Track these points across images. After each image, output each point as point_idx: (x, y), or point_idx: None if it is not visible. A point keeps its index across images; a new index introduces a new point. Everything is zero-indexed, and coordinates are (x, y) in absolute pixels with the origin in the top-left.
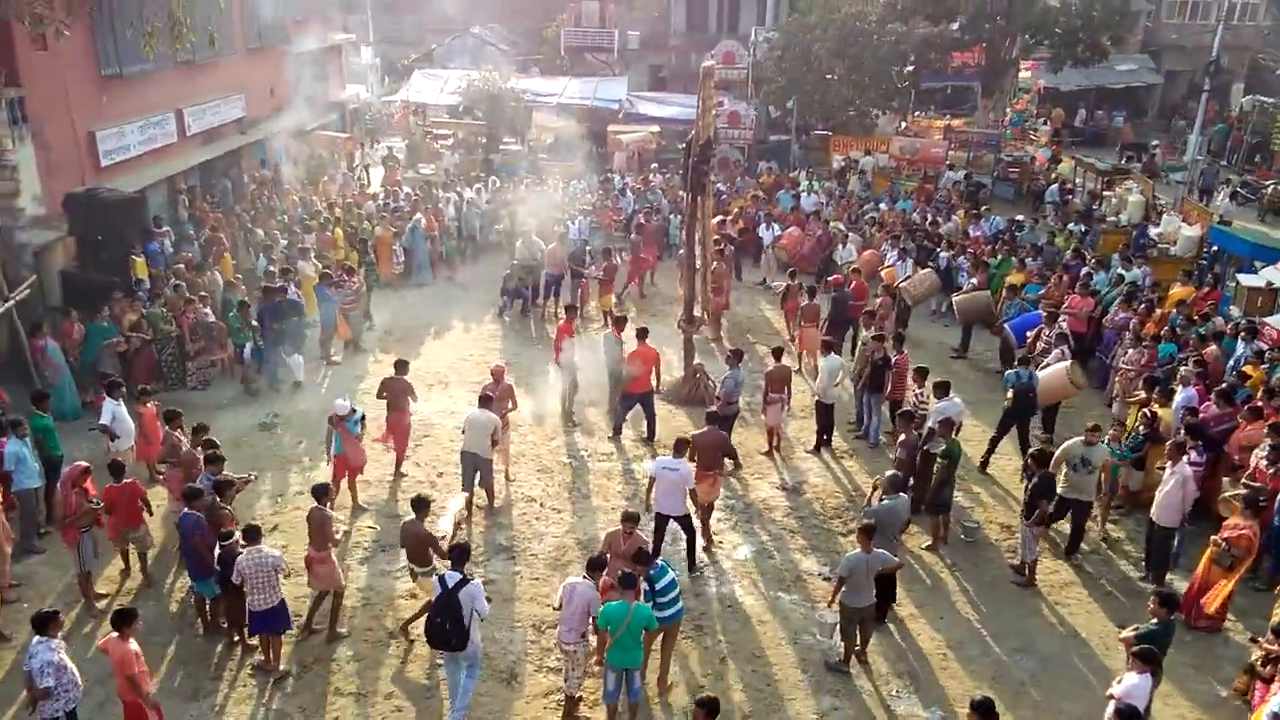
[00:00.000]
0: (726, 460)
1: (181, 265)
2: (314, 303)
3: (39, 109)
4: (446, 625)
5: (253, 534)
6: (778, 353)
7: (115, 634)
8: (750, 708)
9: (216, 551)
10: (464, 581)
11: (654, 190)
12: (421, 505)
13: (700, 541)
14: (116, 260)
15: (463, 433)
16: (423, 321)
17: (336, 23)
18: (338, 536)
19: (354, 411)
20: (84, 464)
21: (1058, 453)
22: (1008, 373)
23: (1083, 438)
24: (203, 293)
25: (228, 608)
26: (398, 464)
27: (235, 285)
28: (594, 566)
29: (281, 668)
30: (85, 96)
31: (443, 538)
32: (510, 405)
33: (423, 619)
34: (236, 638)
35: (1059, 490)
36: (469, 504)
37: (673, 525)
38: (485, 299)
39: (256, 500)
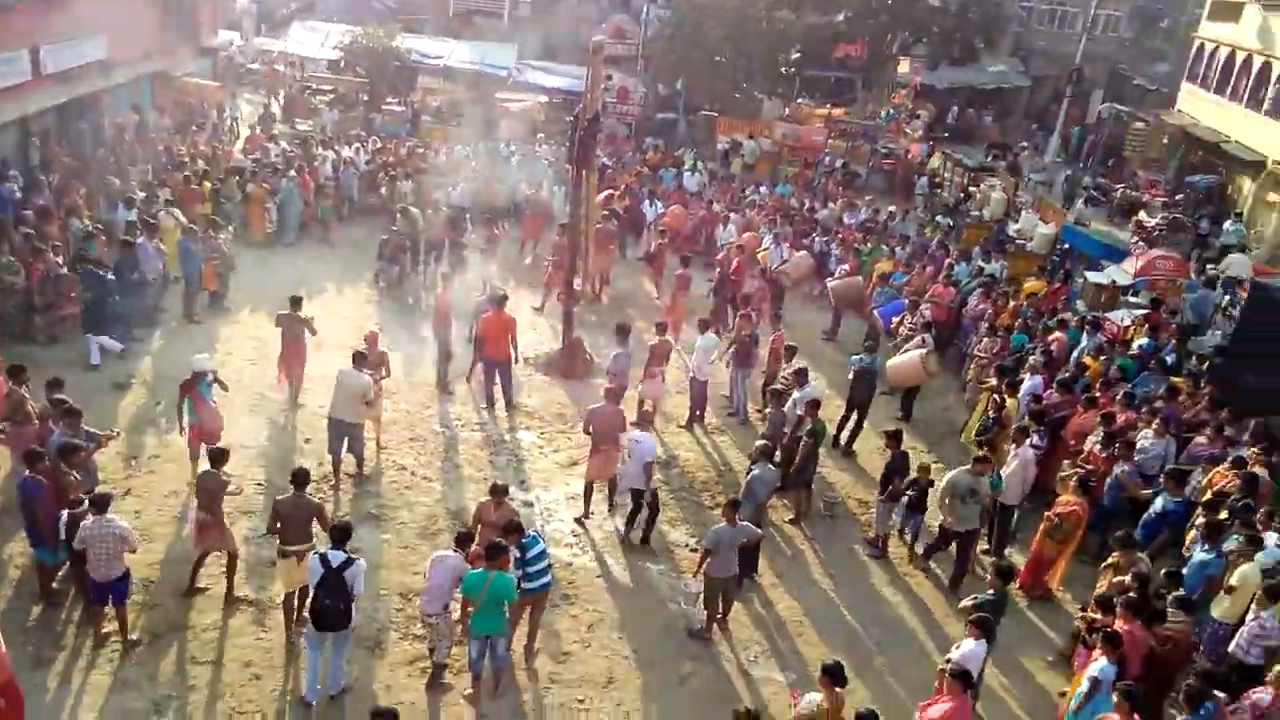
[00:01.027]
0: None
1: (29, 213)
2: (176, 258)
3: None
4: (339, 605)
5: (100, 503)
6: (660, 327)
7: None
8: (614, 673)
9: (64, 518)
10: (349, 560)
11: (540, 160)
12: (302, 479)
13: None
14: None
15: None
16: (294, 283)
17: None
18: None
19: (207, 373)
20: None
21: (943, 484)
22: (854, 356)
23: (969, 468)
24: (55, 242)
25: (76, 576)
26: (294, 394)
27: (95, 236)
28: (462, 541)
29: (132, 636)
30: None
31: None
32: (384, 373)
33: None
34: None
35: (946, 523)
36: (336, 468)
37: (546, 499)
38: (361, 263)
39: (110, 462)
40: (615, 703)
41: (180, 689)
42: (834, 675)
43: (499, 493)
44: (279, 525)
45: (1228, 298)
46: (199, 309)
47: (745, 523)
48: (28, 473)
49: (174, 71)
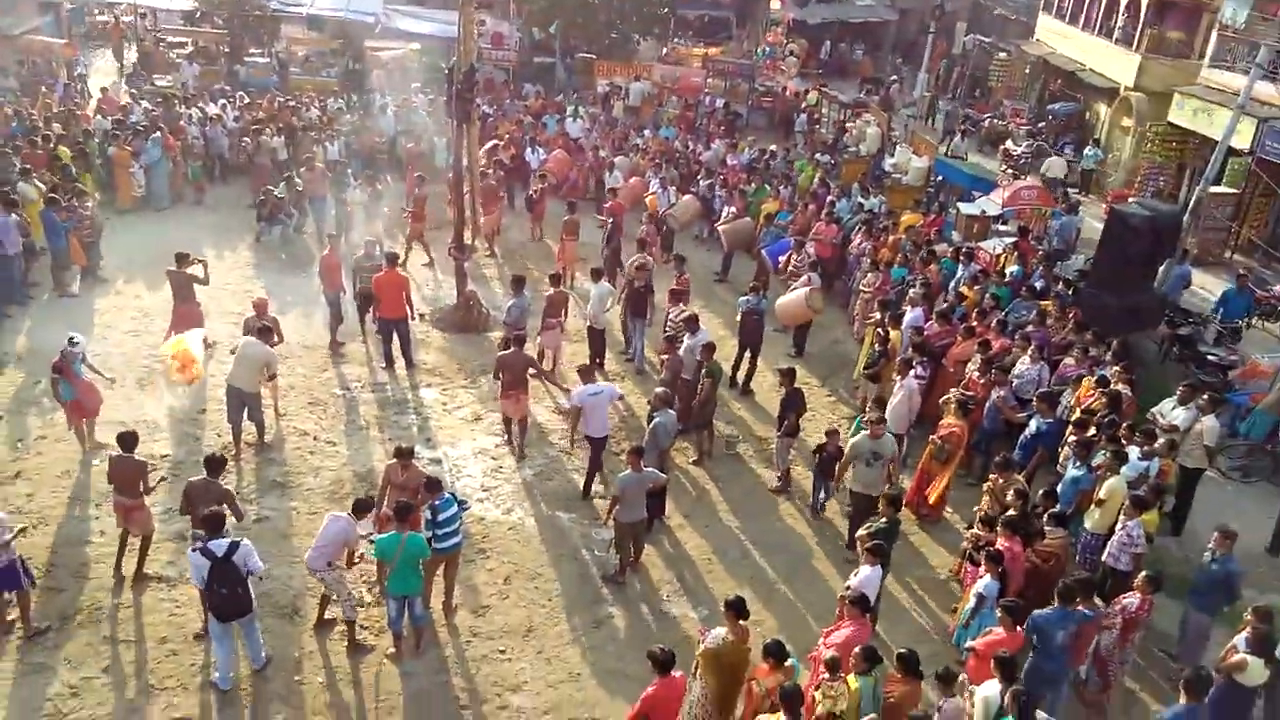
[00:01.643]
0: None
1: None
2: (40, 229)
3: None
4: (238, 591)
5: None
6: (555, 279)
7: None
8: (532, 623)
9: None
10: (235, 545)
11: (417, 111)
12: (216, 465)
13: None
14: None
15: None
16: (170, 248)
17: None
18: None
19: (78, 351)
20: None
21: (847, 449)
22: (740, 298)
23: (868, 431)
24: None
25: None
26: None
27: None
28: (359, 508)
29: (38, 625)
30: None
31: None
32: (276, 339)
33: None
34: None
35: (849, 486)
36: (237, 438)
37: (454, 455)
38: (239, 224)
39: None
40: (536, 650)
41: (96, 670)
42: (737, 609)
43: (404, 454)
44: (190, 507)
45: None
46: (71, 281)
47: (650, 468)
48: None
49: (14, 30)
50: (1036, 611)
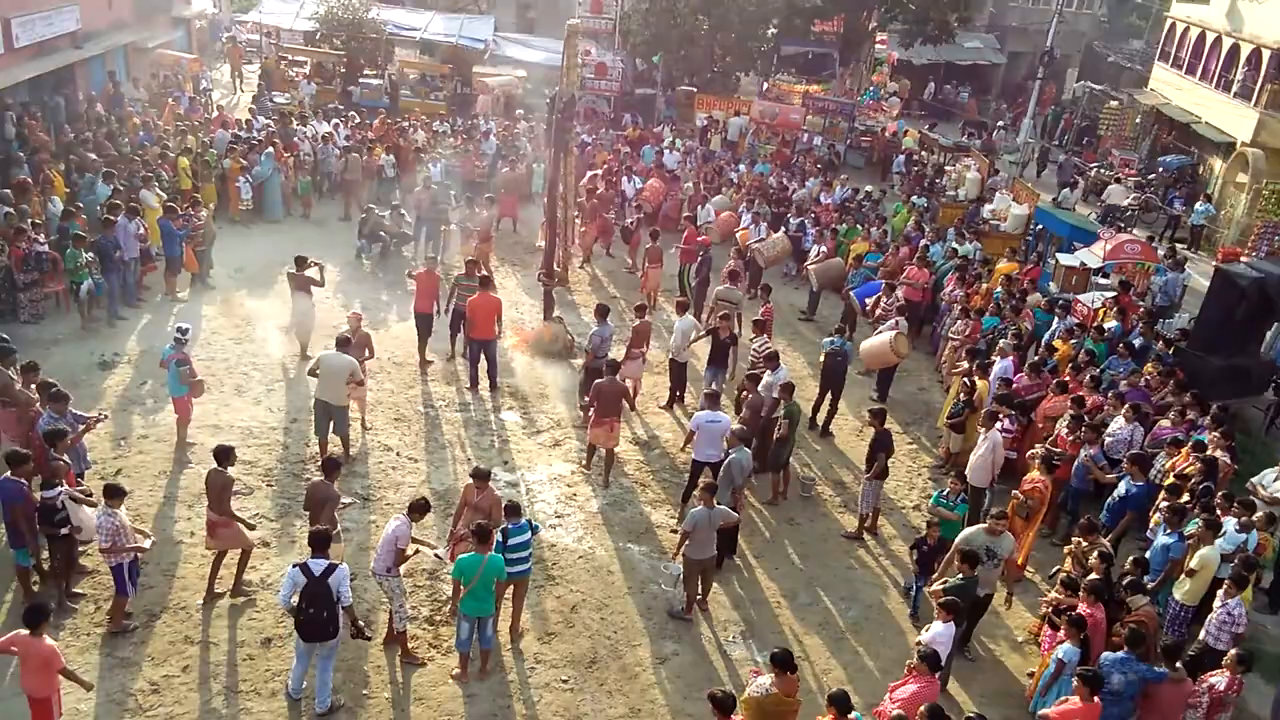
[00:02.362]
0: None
1: (9, 191)
2: (157, 236)
3: None
4: (324, 614)
5: (113, 493)
6: (640, 309)
7: (25, 631)
8: (596, 653)
9: (41, 498)
10: (332, 568)
11: (519, 139)
12: (332, 467)
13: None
14: None
15: (315, 374)
16: (276, 261)
17: None
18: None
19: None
20: None
21: (958, 541)
22: (825, 339)
23: (985, 525)
24: (34, 220)
25: (52, 552)
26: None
27: (75, 215)
28: (415, 509)
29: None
30: None
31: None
32: (367, 354)
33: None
34: (58, 585)
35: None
36: (323, 449)
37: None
38: (342, 239)
39: (99, 443)
40: (599, 682)
41: (176, 669)
42: (782, 663)
43: (481, 476)
44: (309, 507)
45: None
46: (182, 287)
47: (722, 506)
48: (8, 473)
49: (148, 43)
50: (1104, 654)
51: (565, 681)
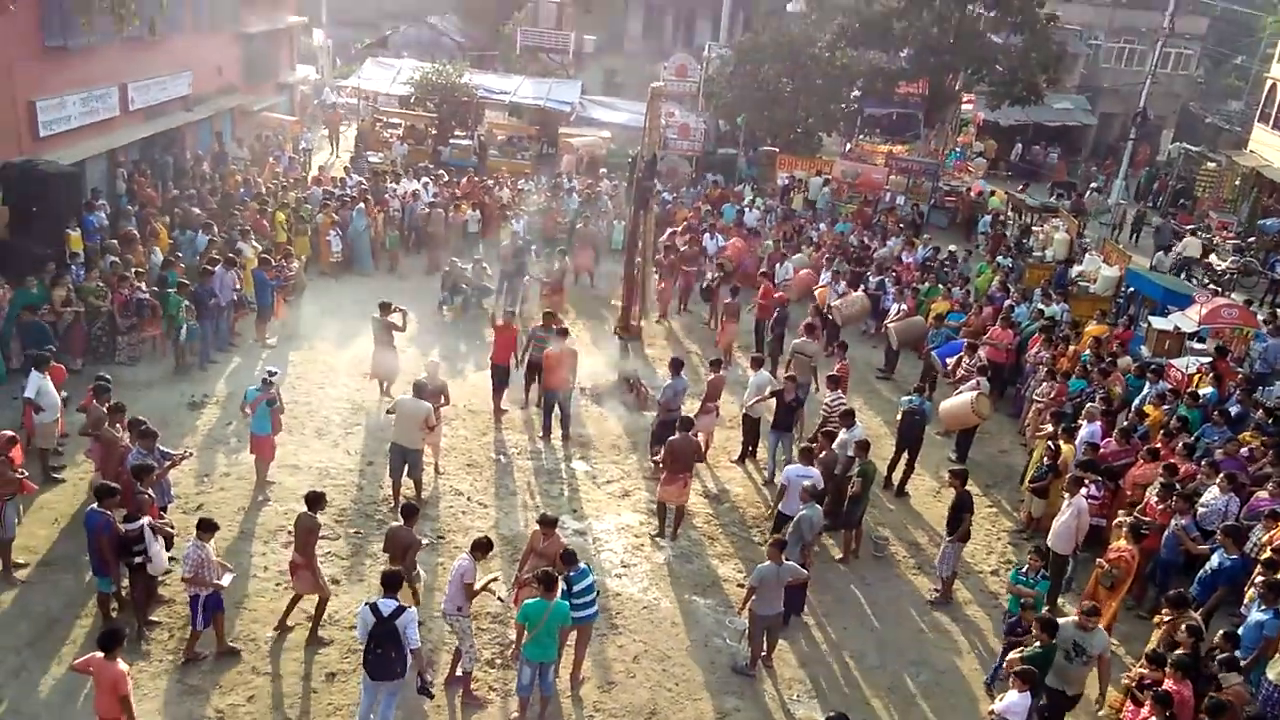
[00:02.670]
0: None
1: (116, 241)
2: (251, 285)
3: None
4: (392, 654)
5: (206, 526)
6: (715, 364)
7: (100, 653)
8: (656, 705)
9: (124, 529)
10: (401, 609)
11: (601, 196)
12: (411, 513)
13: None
14: (51, 232)
15: (391, 416)
16: (361, 311)
17: (289, 3)
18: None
19: (271, 393)
20: (9, 433)
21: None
22: (903, 397)
23: (1075, 619)
24: (137, 269)
25: (134, 589)
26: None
27: (175, 264)
28: (476, 546)
29: (199, 651)
30: (27, 66)
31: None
32: (443, 401)
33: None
34: (137, 615)
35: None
36: (396, 492)
37: (598, 529)
38: (425, 291)
39: (183, 479)
40: None
41: (241, 699)
42: None
43: (548, 524)
44: (388, 550)
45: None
46: (272, 334)
47: (791, 562)
48: (95, 506)
49: (253, 106)
50: None
51: None
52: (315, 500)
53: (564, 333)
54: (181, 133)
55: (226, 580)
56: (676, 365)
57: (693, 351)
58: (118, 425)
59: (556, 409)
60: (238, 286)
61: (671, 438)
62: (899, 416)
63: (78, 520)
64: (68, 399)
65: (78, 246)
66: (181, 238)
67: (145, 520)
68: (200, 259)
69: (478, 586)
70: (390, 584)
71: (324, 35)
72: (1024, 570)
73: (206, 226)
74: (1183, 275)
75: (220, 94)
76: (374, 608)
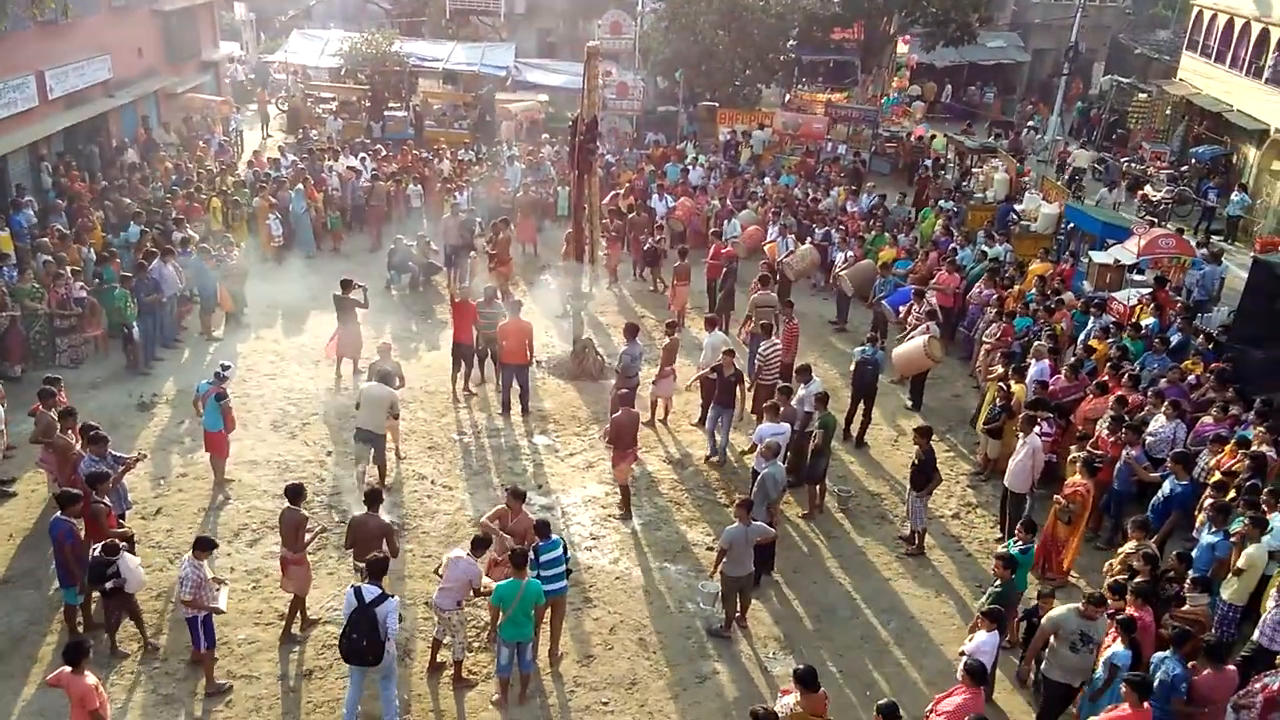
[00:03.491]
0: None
1: (46, 240)
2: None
3: None
4: (364, 641)
5: (203, 545)
6: (670, 327)
7: (68, 668)
8: (636, 675)
9: (92, 556)
10: (383, 597)
11: (544, 163)
12: (375, 498)
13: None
14: None
15: (357, 407)
16: (307, 295)
17: None
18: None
19: (221, 387)
20: None
21: (1045, 622)
22: (856, 348)
23: (1079, 607)
24: (73, 267)
25: (106, 605)
26: (354, 371)
27: (112, 260)
28: (478, 545)
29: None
30: None
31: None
32: (398, 383)
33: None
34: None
35: (1043, 669)
36: (373, 474)
37: (565, 502)
38: (372, 271)
39: (139, 483)
40: (639, 704)
41: (219, 703)
42: (804, 681)
43: (517, 496)
44: (352, 541)
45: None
46: (216, 325)
47: (758, 522)
48: (59, 514)
49: (177, 88)
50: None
51: (606, 704)
52: (296, 493)
53: (518, 305)
54: (105, 120)
55: (222, 601)
56: (631, 331)
57: (645, 316)
58: (69, 431)
59: (515, 384)
60: (179, 282)
61: (615, 415)
62: (852, 367)
63: (35, 534)
64: (4, 408)
65: (7, 247)
66: (116, 234)
67: (122, 551)
68: (135, 252)
69: (482, 589)
70: (375, 571)
71: (245, 9)
72: (1015, 540)
73: (137, 216)
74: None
75: (143, 76)
76: (357, 592)
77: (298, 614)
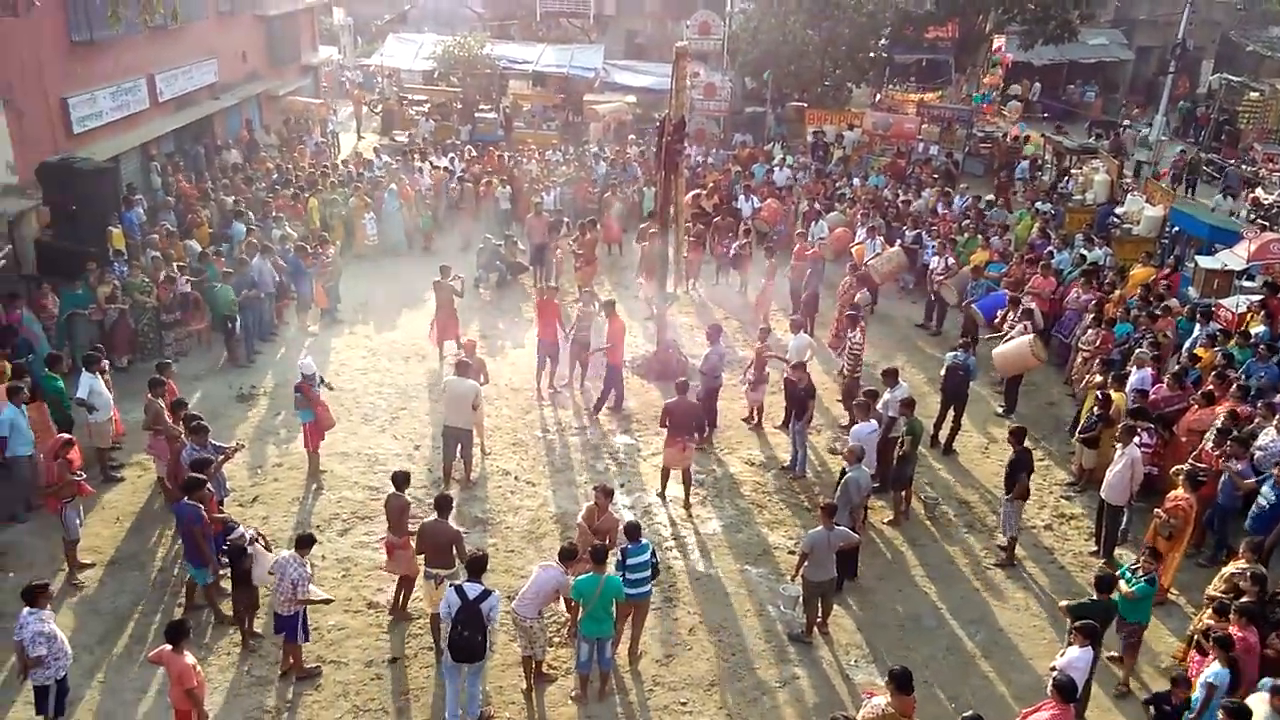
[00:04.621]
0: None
1: (156, 236)
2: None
3: (10, 76)
4: (478, 638)
5: (303, 542)
6: (764, 333)
7: (169, 646)
8: (715, 676)
9: (229, 541)
10: (486, 593)
11: (630, 164)
12: (445, 504)
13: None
14: (92, 230)
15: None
16: (399, 293)
17: None
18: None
19: (315, 374)
20: (66, 435)
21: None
22: (947, 353)
23: (1268, 698)
24: (179, 263)
25: (235, 597)
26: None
27: (216, 258)
28: (565, 557)
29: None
30: (56, 63)
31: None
32: (482, 380)
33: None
34: (239, 626)
35: None
36: (447, 475)
37: (647, 502)
38: (461, 270)
39: (236, 472)
40: (718, 705)
41: (309, 686)
42: (899, 681)
43: (605, 493)
44: (422, 546)
45: None
46: (312, 321)
47: (841, 526)
48: (185, 499)
49: (279, 91)
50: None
51: (684, 704)
52: (402, 480)
53: (611, 305)
54: (211, 121)
55: (322, 592)
56: (715, 332)
57: (729, 317)
58: (177, 420)
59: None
60: (276, 279)
61: (667, 402)
62: (943, 372)
63: (141, 518)
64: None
65: (120, 243)
66: (222, 228)
67: (246, 531)
68: (240, 249)
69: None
70: (475, 568)
71: (343, 14)
72: (1133, 567)
73: (240, 215)
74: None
75: (246, 80)
76: (460, 591)
77: (403, 595)
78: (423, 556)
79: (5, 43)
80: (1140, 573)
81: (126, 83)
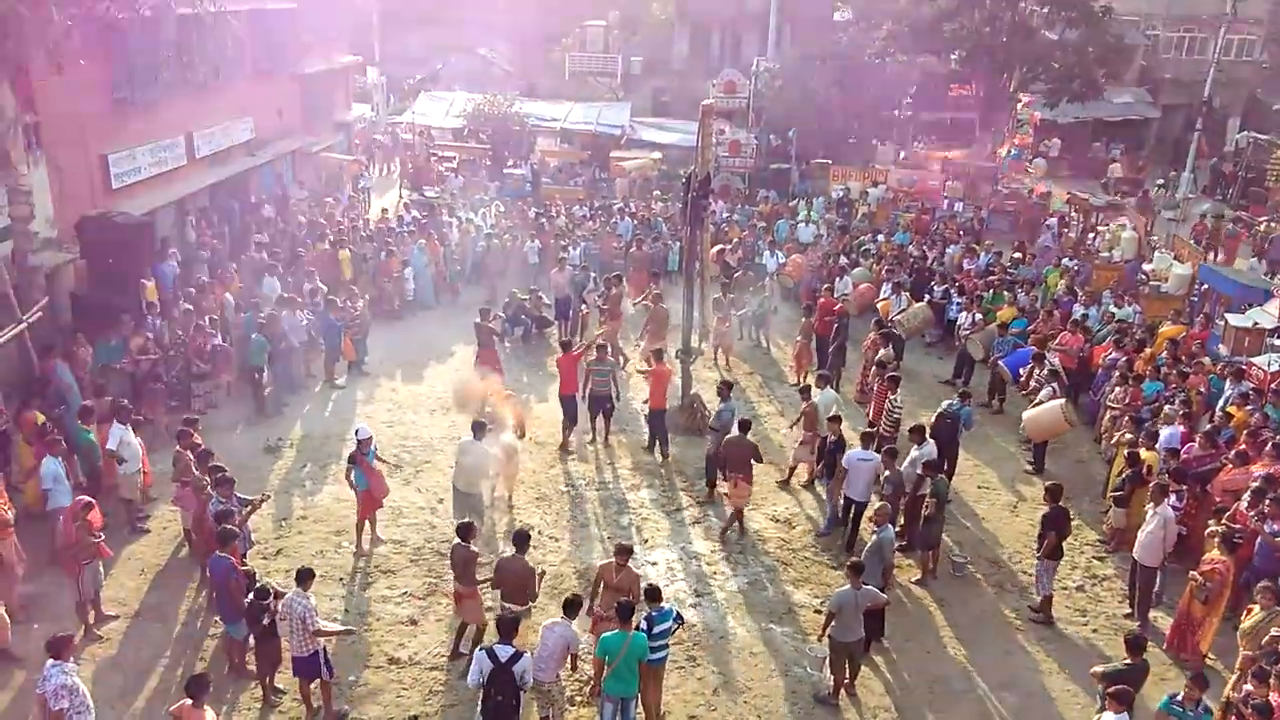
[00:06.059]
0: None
1: (192, 289)
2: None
3: (53, 133)
4: (512, 702)
5: (303, 577)
6: (805, 392)
7: (189, 701)
8: None
9: (248, 601)
10: (518, 655)
11: (656, 218)
12: (523, 540)
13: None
14: (126, 283)
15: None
16: (426, 345)
17: (344, 44)
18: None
19: (370, 440)
20: (86, 499)
21: None
22: (945, 401)
23: None
24: (212, 316)
25: (258, 652)
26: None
27: (255, 307)
28: (569, 607)
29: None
30: (98, 121)
31: None
32: (520, 433)
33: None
34: (260, 681)
35: None
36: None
37: (670, 558)
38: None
39: (261, 524)
40: None
41: None
42: None
43: (624, 553)
44: (501, 581)
45: None
46: (340, 374)
47: (869, 586)
48: (218, 552)
49: (313, 148)
50: None
51: None
52: (467, 530)
53: (659, 354)
54: (246, 176)
55: (335, 625)
56: (726, 388)
57: (754, 374)
58: (203, 472)
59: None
60: (307, 333)
61: (727, 438)
62: (933, 418)
63: (166, 571)
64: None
65: (154, 296)
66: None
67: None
68: (272, 303)
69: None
70: (506, 630)
71: (377, 73)
72: (1178, 700)
73: (273, 269)
74: None
75: (281, 136)
76: (491, 653)
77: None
78: (499, 591)
79: (50, 100)
80: (1187, 702)
81: (165, 140)
